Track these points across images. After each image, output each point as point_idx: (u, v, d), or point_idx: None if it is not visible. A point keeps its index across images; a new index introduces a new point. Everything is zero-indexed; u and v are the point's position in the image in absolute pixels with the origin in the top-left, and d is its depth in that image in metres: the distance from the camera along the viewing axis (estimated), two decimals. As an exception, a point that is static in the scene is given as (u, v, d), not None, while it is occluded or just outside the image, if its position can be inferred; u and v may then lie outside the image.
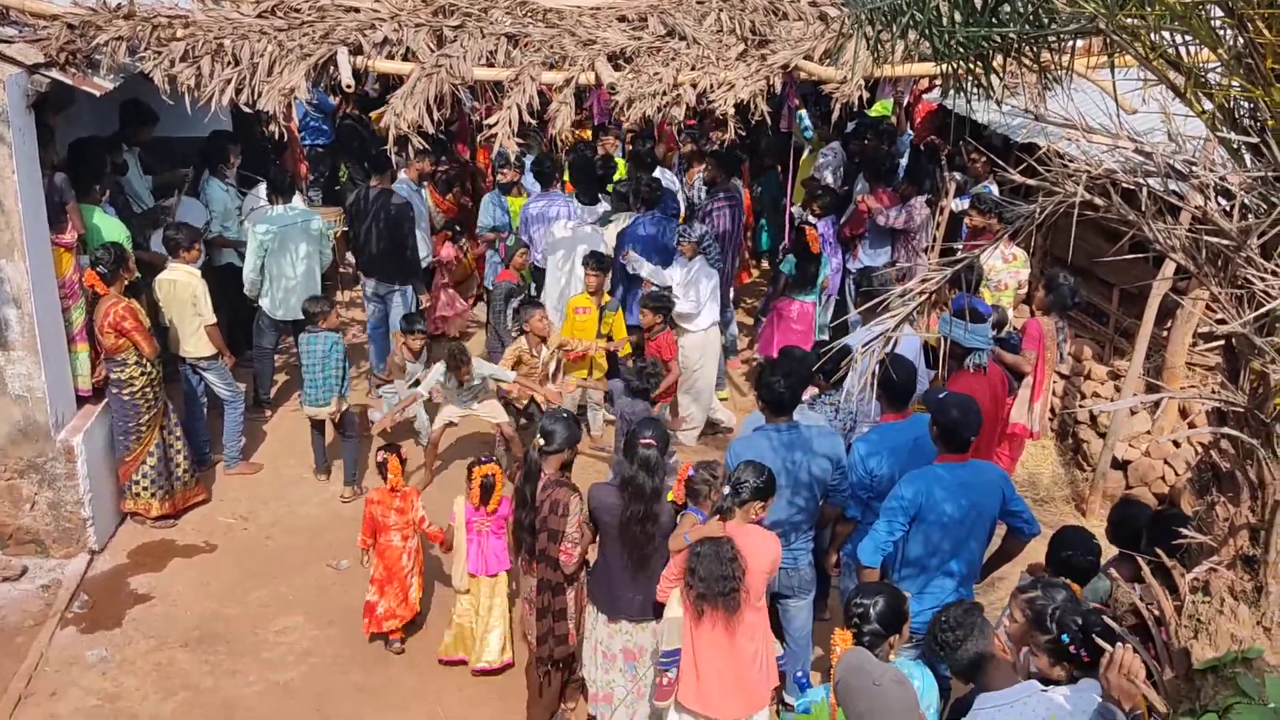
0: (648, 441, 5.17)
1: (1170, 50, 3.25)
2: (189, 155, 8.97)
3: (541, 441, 5.48)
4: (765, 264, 11.79)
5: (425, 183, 9.89)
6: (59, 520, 6.99)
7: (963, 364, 6.51)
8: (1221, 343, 3.38)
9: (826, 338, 8.82)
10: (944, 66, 3.87)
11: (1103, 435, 8.05)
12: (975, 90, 3.93)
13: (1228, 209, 3.00)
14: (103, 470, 7.20)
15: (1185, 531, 3.26)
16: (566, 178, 9.79)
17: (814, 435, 5.58)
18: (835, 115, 7.30)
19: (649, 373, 7.12)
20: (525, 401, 8.09)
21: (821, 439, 5.58)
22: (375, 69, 6.99)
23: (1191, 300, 7.24)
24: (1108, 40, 3.36)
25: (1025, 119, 7.35)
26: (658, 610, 5.35)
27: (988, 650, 3.83)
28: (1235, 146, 3.09)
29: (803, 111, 10.44)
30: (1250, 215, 2.95)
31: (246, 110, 6.94)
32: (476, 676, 6.20)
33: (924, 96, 11.02)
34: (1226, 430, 3.12)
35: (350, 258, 10.41)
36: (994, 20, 3.55)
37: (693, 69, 6.93)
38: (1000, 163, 4.39)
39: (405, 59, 7.01)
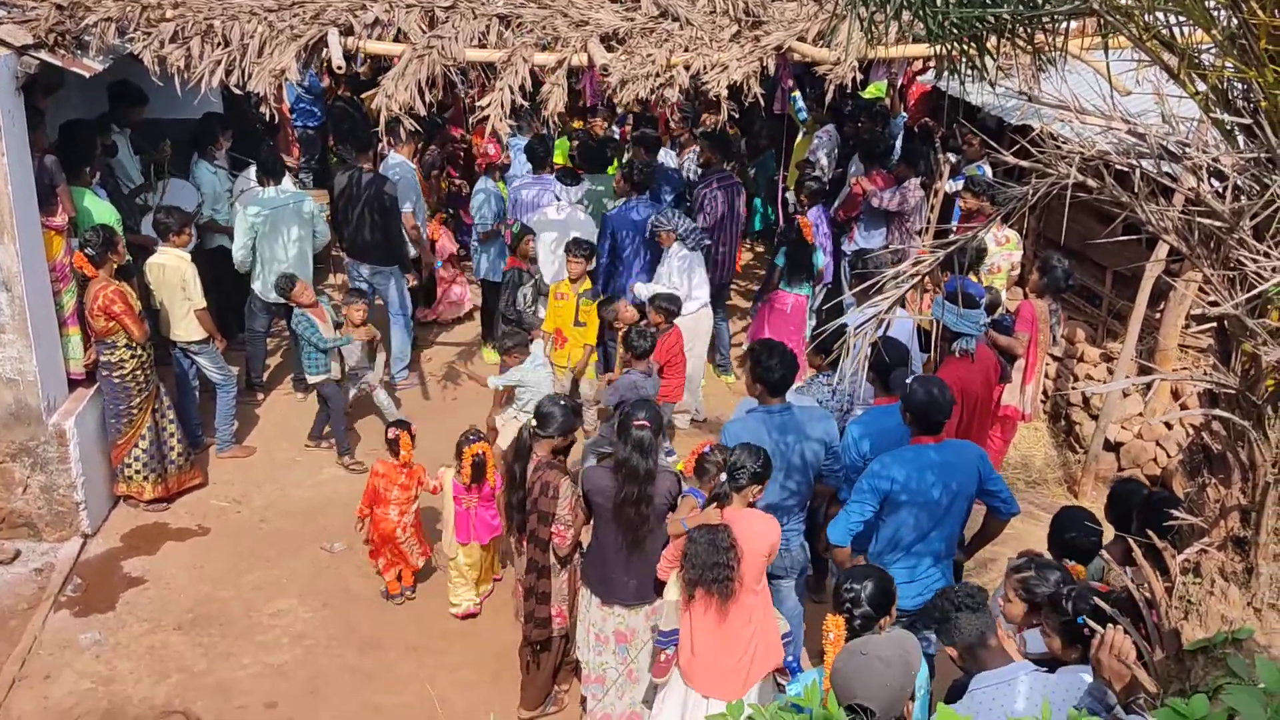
0: (641, 423, 5.16)
1: (1164, 31, 3.24)
2: (178, 136, 8.92)
3: (535, 424, 5.48)
4: (760, 247, 11.77)
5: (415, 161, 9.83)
6: (51, 504, 6.98)
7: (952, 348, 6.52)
8: (1214, 325, 3.38)
9: (814, 322, 8.84)
10: (938, 48, 3.85)
11: (1095, 417, 8.07)
12: (969, 72, 3.92)
13: (1220, 190, 3.00)
14: (95, 453, 7.19)
15: (1176, 513, 3.27)
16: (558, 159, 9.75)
17: (807, 417, 5.59)
18: (829, 97, 7.26)
19: (646, 333, 7.15)
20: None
21: (814, 421, 5.58)
22: (366, 50, 6.95)
23: (1184, 282, 7.25)
24: (1101, 21, 3.35)
25: (1019, 101, 7.33)
26: (653, 591, 5.37)
27: (987, 632, 3.86)
28: (1228, 128, 3.08)
29: (797, 94, 10.40)
30: (1243, 197, 2.95)
31: (237, 92, 6.90)
32: (466, 656, 6.23)
33: (918, 78, 10.99)
34: (1218, 412, 3.12)
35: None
36: (988, 1, 3.54)
37: (686, 50, 6.90)
38: (993, 144, 4.38)
39: (396, 40, 6.97)
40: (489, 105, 6.64)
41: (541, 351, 7.54)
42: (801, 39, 7.03)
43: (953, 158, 8.93)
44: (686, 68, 6.79)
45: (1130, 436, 7.99)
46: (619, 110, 11.53)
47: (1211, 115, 3.11)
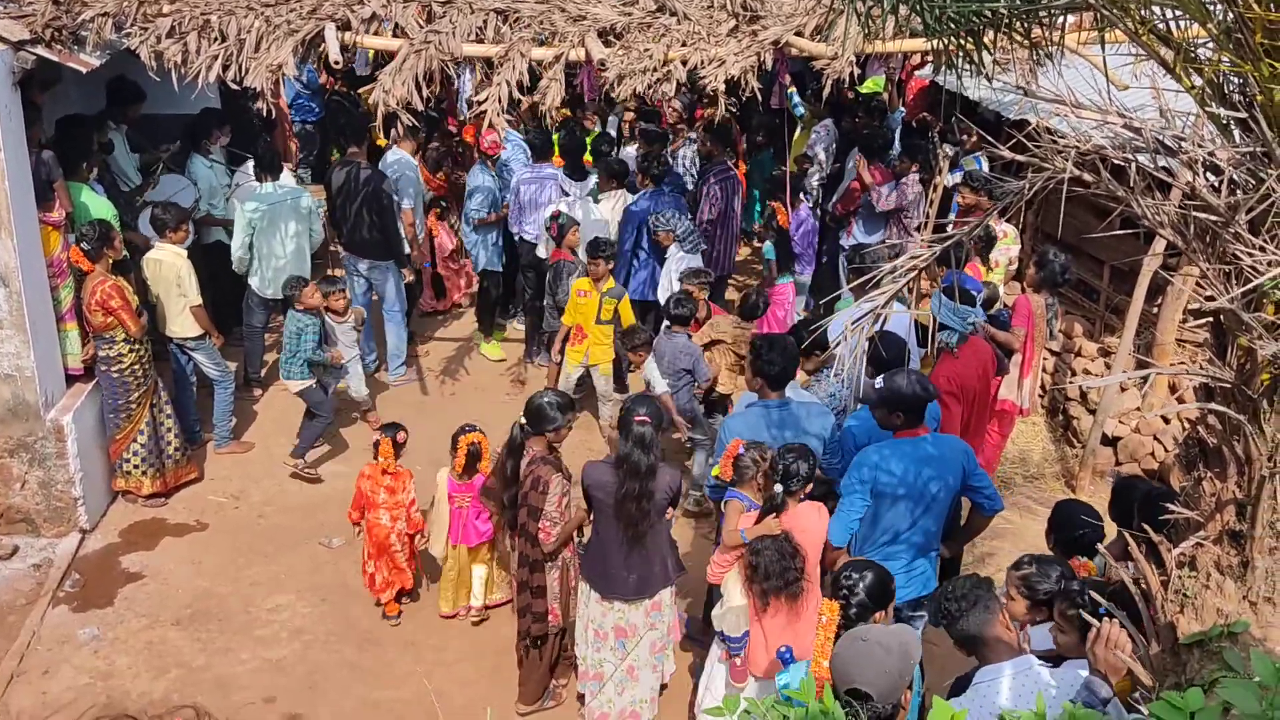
0: (642, 419, 5.17)
1: (1160, 25, 3.24)
2: (176, 133, 8.91)
3: (524, 420, 5.47)
4: (756, 242, 11.77)
5: (417, 157, 9.80)
6: (50, 499, 6.98)
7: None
8: (1210, 319, 3.38)
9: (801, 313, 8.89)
10: (935, 42, 3.85)
11: (1093, 412, 8.07)
12: (966, 66, 3.91)
13: (1216, 185, 2.99)
14: (93, 449, 7.19)
15: (1172, 507, 3.27)
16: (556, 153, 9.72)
17: (806, 412, 5.59)
18: (826, 92, 7.26)
19: (683, 300, 7.19)
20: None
21: (813, 416, 5.59)
22: (363, 45, 6.94)
23: (1182, 277, 7.25)
24: (1098, 15, 3.35)
25: (1016, 95, 7.34)
26: (652, 588, 5.37)
27: (989, 625, 3.86)
28: (1224, 122, 3.08)
29: (793, 89, 10.40)
30: (1239, 191, 2.95)
31: (234, 88, 6.89)
32: (464, 651, 6.23)
33: (916, 73, 10.99)
34: (1213, 406, 3.12)
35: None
36: (984, -5, 3.54)
37: (683, 45, 6.90)
38: (990, 139, 4.37)
39: (394, 35, 6.96)
40: (487, 100, 6.63)
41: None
42: (799, 34, 7.03)
43: (950, 150, 8.93)
44: (684, 62, 6.79)
45: (1128, 431, 8.00)
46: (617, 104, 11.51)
47: (1207, 109, 3.11)
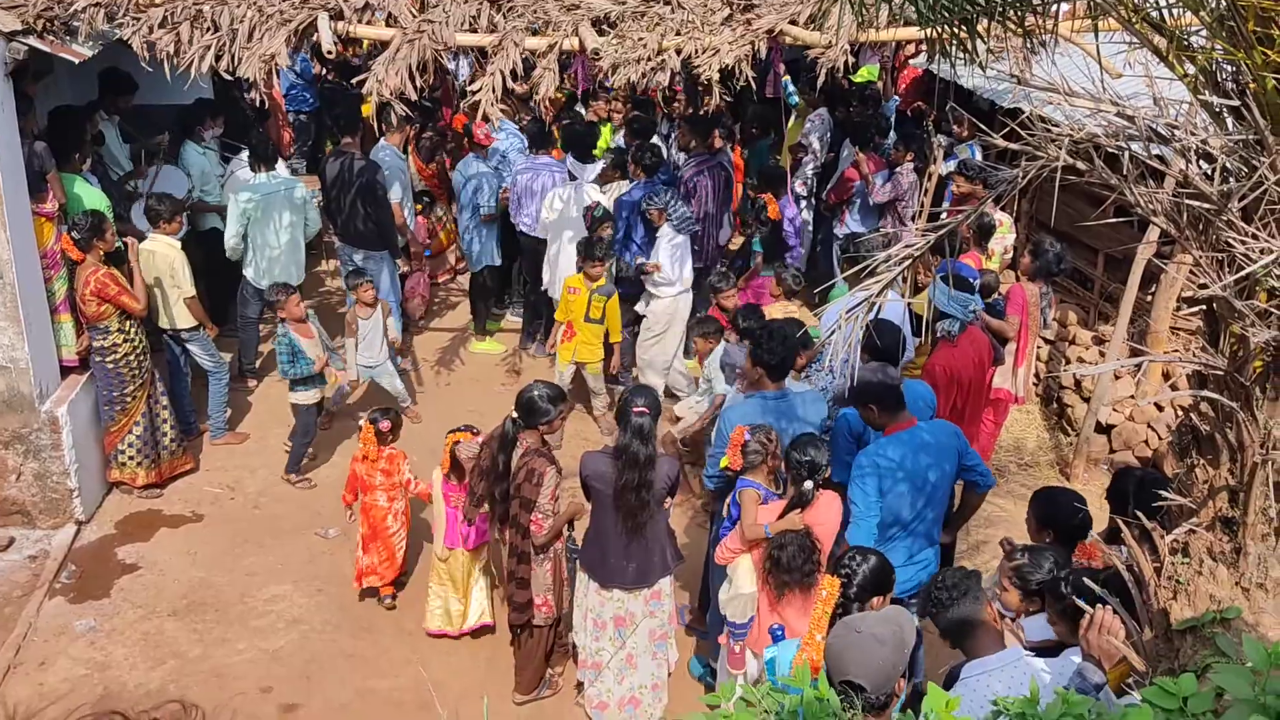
0: (640, 410, 5.18)
1: (1153, 13, 3.25)
2: (168, 123, 8.89)
3: (517, 414, 5.46)
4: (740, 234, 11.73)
5: (409, 147, 9.77)
6: (45, 491, 6.98)
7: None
8: (1203, 306, 3.39)
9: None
10: (929, 31, 3.85)
11: (1087, 400, 8.09)
12: (960, 55, 3.92)
13: (1209, 173, 3.00)
14: (88, 440, 7.18)
15: (1165, 494, 3.29)
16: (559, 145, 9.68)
17: (802, 400, 5.62)
18: (820, 81, 7.25)
19: (754, 313, 6.99)
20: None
21: (808, 404, 5.62)
22: (356, 34, 6.92)
23: (1176, 265, 7.26)
24: (1091, 3, 3.36)
25: (1010, 84, 7.34)
26: (652, 577, 5.38)
27: (977, 616, 3.87)
28: (1217, 110, 3.09)
29: (788, 78, 10.37)
30: (1231, 179, 2.95)
31: (227, 78, 6.87)
32: (460, 640, 6.25)
33: (909, 62, 10.97)
34: (1206, 393, 3.13)
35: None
36: (978, -17, 3.54)
37: (677, 34, 6.88)
38: (984, 127, 4.38)
39: (387, 24, 6.94)
40: (480, 90, 6.62)
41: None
42: (793, 22, 7.01)
43: (943, 140, 8.93)
44: (678, 51, 6.77)
45: (1122, 419, 8.02)
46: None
47: (1200, 97, 3.12)
